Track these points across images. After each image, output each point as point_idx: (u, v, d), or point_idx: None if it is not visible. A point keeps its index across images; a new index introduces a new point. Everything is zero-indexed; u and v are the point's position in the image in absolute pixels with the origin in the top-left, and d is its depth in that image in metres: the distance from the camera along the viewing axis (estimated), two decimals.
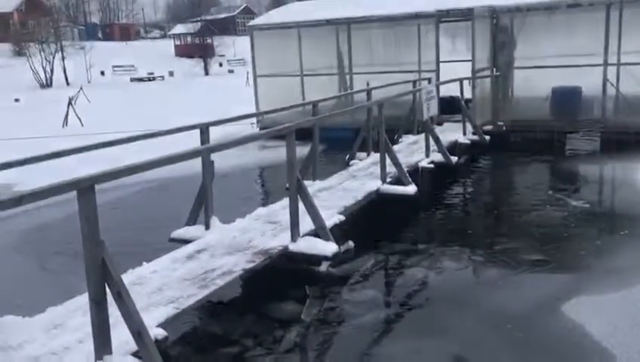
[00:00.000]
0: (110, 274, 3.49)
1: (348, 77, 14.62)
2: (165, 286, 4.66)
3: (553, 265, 6.00)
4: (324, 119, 8.01)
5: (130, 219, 8.69)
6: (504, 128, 12.38)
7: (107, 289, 3.56)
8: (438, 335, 4.71)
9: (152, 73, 49.64)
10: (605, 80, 11.84)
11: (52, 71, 43.94)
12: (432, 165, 8.91)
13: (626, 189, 8.90)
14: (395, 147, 10.20)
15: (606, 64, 11.79)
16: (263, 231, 6.04)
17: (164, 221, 7.45)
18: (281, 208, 6.58)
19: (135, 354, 3.63)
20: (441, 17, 12.99)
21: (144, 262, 5.19)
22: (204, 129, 6.13)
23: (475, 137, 11.21)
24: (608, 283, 5.40)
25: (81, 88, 24.19)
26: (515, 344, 4.50)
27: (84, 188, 3.44)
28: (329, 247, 5.60)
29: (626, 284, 5.33)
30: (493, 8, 12.53)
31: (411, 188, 7.63)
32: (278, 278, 5.50)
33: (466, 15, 12.16)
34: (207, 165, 6.13)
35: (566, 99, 12.14)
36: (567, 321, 4.75)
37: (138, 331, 3.53)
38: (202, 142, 6.06)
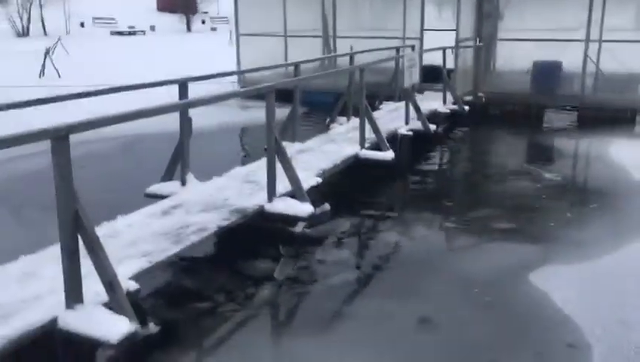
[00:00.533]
0: (83, 225, 3.49)
1: (332, 40, 14.47)
2: (139, 240, 4.67)
3: (523, 234, 6.14)
4: (305, 81, 7.97)
5: (106, 173, 8.64)
6: (484, 100, 12.44)
7: (80, 241, 3.57)
8: (407, 298, 4.81)
9: (132, 27, 48.58)
10: (586, 56, 11.92)
11: (29, 20, 42.71)
12: (410, 133, 8.96)
13: (598, 164, 9.08)
14: (376, 113, 10.20)
15: (588, 40, 11.86)
16: (239, 190, 6.06)
17: (140, 176, 7.42)
18: (259, 168, 6.56)
19: (106, 305, 3.66)
20: None
21: (119, 216, 5.19)
22: (183, 84, 6.06)
23: (455, 107, 11.26)
24: (574, 254, 5.54)
25: (59, 39, 23.59)
26: (481, 308, 4.63)
27: (59, 137, 3.40)
28: (305, 208, 5.66)
29: (590, 256, 5.49)
30: None
31: (389, 155, 7.69)
32: (253, 237, 5.56)
33: None
34: (185, 121, 6.09)
35: (546, 73, 12.22)
36: (532, 289, 4.89)
37: (110, 282, 3.56)
38: (180, 97, 6.01)
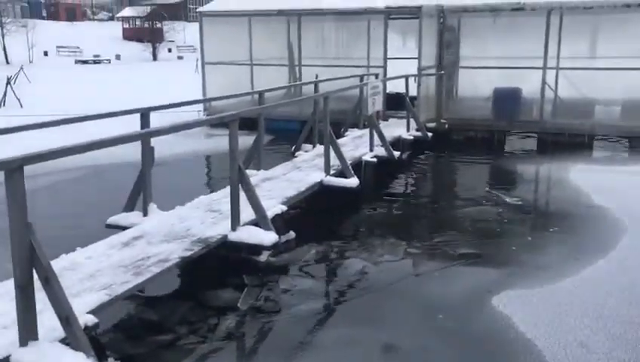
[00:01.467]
0: (38, 258, 3.40)
1: (297, 68, 14.61)
2: (99, 273, 4.58)
3: (486, 259, 6.21)
4: (270, 109, 8.01)
5: (66, 204, 8.49)
6: (447, 126, 12.67)
7: (35, 274, 3.48)
8: (372, 325, 4.81)
9: (98, 56, 48.29)
10: (544, 83, 12.28)
11: None
12: (375, 159, 9.05)
13: (558, 188, 9.29)
14: (341, 140, 10.31)
15: (545, 68, 12.23)
16: (202, 219, 6.00)
17: (101, 207, 7.29)
18: (222, 197, 6.55)
19: (63, 341, 3.56)
20: (390, 14, 13.17)
21: (78, 248, 5.09)
22: (145, 113, 6.02)
23: (419, 133, 11.43)
24: (536, 278, 5.62)
25: (21, 68, 23.29)
26: (445, 333, 4.65)
27: (13, 168, 3.33)
28: (269, 237, 5.63)
29: (552, 279, 5.57)
30: (441, 7, 12.78)
31: (354, 181, 7.73)
32: (216, 267, 5.50)
33: (414, 12, 12.36)
34: (147, 150, 6.04)
35: (507, 99, 12.54)
36: (495, 313, 4.93)
37: (66, 317, 3.47)
38: (142, 127, 5.97)
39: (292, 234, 6.35)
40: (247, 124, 9.48)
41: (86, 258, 4.88)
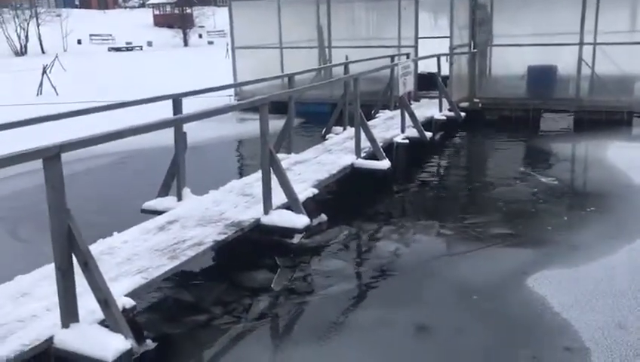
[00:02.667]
0: (76, 243, 3.49)
1: (327, 50, 14.53)
2: (135, 257, 4.67)
3: (521, 239, 6.13)
4: (300, 92, 8.00)
5: (103, 189, 8.67)
6: (480, 105, 12.47)
7: (75, 258, 3.58)
8: (405, 306, 4.81)
9: (130, 43, 48.91)
10: (580, 59, 11.96)
11: (27, 38, 43.00)
12: (406, 141, 8.98)
13: (594, 167, 9.09)
14: (372, 122, 10.27)
15: (582, 43, 11.91)
16: (235, 203, 6.06)
17: (136, 192, 7.43)
18: (255, 180, 6.57)
19: (102, 323, 3.66)
20: None
21: (115, 232, 5.20)
22: (177, 100, 6.09)
23: (451, 114, 11.29)
24: (572, 258, 5.53)
25: (56, 56, 23.76)
26: (480, 314, 4.62)
27: (51, 156, 3.42)
28: (301, 220, 5.66)
29: (587, 259, 5.48)
30: None
31: (385, 164, 7.70)
32: (250, 249, 5.56)
33: None
34: (180, 136, 6.11)
35: (542, 77, 12.27)
36: (531, 293, 4.88)
37: (105, 300, 3.56)
38: (174, 113, 6.03)
39: (324, 216, 6.37)
40: (278, 107, 9.47)
41: (122, 242, 4.98)
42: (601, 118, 11.60)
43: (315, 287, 5.16)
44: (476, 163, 10.16)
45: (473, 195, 8.03)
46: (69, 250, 3.51)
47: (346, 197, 7.38)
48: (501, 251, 5.86)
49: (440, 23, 18.89)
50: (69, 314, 3.55)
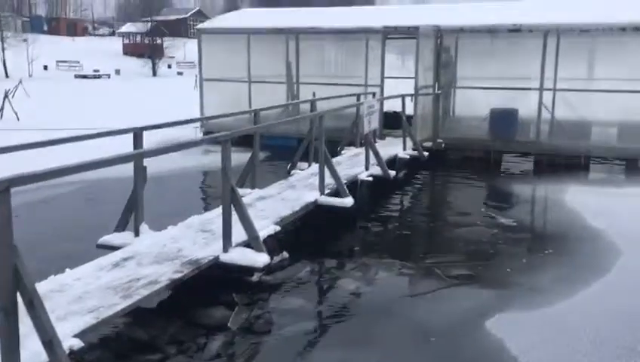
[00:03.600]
0: (22, 281, 3.35)
1: (295, 86, 14.66)
2: (87, 295, 4.51)
3: (480, 280, 6.17)
4: (264, 128, 8.00)
5: (57, 222, 8.40)
6: (443, 145, 12.67)
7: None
8: (363, 347, 4.75)
9: (97, 70, 48.51)
10: (541, 104, 12.31)
11: None
12: (370, 178, 9.04)
13: (552, 210, 9.28)
14: (337, 158, 10.33)
15: (542, 89, 12.27)
16: (194, 239, 5.95)
17: (92, 226, 7.23)
18: (215, 216, 6.47)
19: None
20: (388, 33, 13.23)
21: (67, 269, 5.03)
22: (138, 133, 6.00)
23: (415, 153, 11.44)
24: (530, 301, 5.58)
25: (20, 81, 23.37)
26: (438, 357, 4.60)
27: None
28: (261, 258, 5.57)
29: (546, 302, 5.53)
30: (438, 28, 12.86)
31: (348, 201, 7.71)
32: (208, 285, 5.43)
33: (412, 33, 12.42)
34: (139, 170, 6.00)
35: (503, 120, 12.56)
36: (489, 336, 4.88)
37: (49, 341, 3.40)
38: (135, 147, 5.94)
39: (285, 254, 6.31)
40: (245, 140, 9.50)
41: (74, 279, 4.80)
42: (560, 162, 11.92)
43: (272, 326, 5.06)
44: (438, 202, 10.26)
45: (434, 235, 8.09)
46: (15, 288, 3.36)
47: (309, 233, 7.34)
48: (460, 292, 5.88)
49: (407, 64, 19.33)
50: (11, 357, 3.37)
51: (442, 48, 13.07)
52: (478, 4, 15.08)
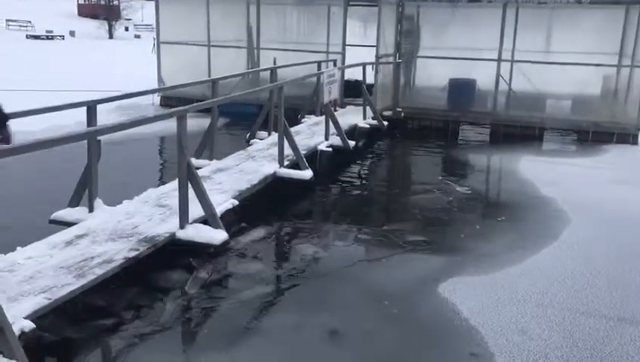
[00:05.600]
0: None
1: (256, 52, 14.45)
2: (39, 274, 4.39)
3: (434, 246, 6.31)
4: (224, 101, 7.79)
5: (10, 193, 8.06)
6: (403, 115, 12.76)
7: None
8: (318, 310, 4.83)
9: (51, 31, 46.68)
10: (498, 75, 12.48)
11: None
12: (330, 149, 9.07)
13: (506, 178, 9.51)
14: (297, 127, 10.31)
15: (500, 60, 12.42)
16: (150, 215, 5.83)
17: (47, 198, 7.00)
18: (172, 190, 6.29)
19: None
20: (350, 0, 13.12)
21: (18, 247, 4.89)
22: (91, 107, 5.78)
23: (375, 122, 11.50)
24: (482, 266, 5.75)
25: None
26: (391, 320, 4.71)
27: None
28: (219, 235, 5.55)
29: (497, 267, 5.71)
30: None
31: (307, 173, 7.72)
32: (166, 253, 5.40)
33: (374, 0, 12.34)
34: (93, 145, 5.81)
35: (461, 90, 12.72)
36: (441, 299, 5.03)
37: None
38: (89, 121, 5.72)
39: (243, 225, 6.32)
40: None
41: (26, 258, 4.64)
42: (516, 132, 12.18)
43: (230, 290, 5.10)
44: (396, 171, 10.37)
45: (392, 203, 8.20)
46: None
47: (268, 202, 7.31)
48: (415, 258, 6.01)
49: (369, 32, 19.22)
50: None
51: (404, 17, 13.05)
52: None
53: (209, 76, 14.25)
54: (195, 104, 6.16)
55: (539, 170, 9.53)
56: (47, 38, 45.13)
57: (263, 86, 8.66)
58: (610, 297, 5.16)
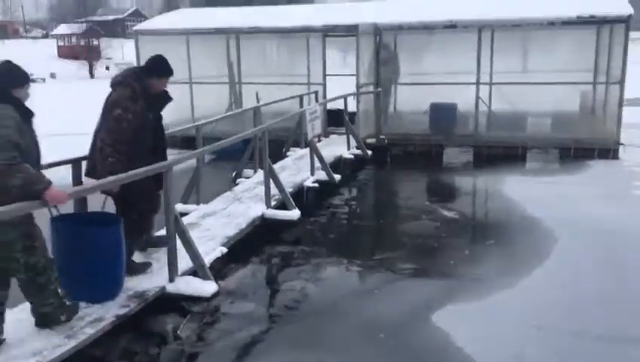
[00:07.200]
0: None
1: (238, 86, 14.55)
2: (29, 337, 4.30)
3: (425, 274, 6.34)
4: (209, 150, 7.64)
5: None
6: (386, 141, 12.87)
7: None
8: (313, 347, 4.81)
9: (32, 74, 46.47)
10: (478, 98, 12.67)
11: None
12: (316, 184, 9.10)
13: (492, 200, 9.60)
14: (283, 163, 10.37)
15: (478, 83, 12.62)
16: None
17: None
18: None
19: None
20: (328, 32, 13.34)
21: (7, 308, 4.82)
22: (75, 164, 5.62)
23: (359, 151, 11.58)
24: (474, 291, 5.76)
25: None
26: (387, 352, 4.70)
27: None
28: (209, 287, 5.46)
29: (489, 292, 5.72)
30: (376, 25, 13.03)
31: (295, 213, 7.72)
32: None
33: (351, 31, 12.54)
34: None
35: (443, 114, 12.87)
36: (435, 329, 5.03)
37: None
38: (74, 179, 5.57)
39: (232, 266, 6.32)
40: (188, 144, 9.34)
41: (14, 321, 4.50)
42: (499, 153, 12.31)
43: (224, 332, 5.06)
44: (383, 200, 10.34)
45: (380, 232, 8.20)
46: None
47: (256, 240, 7.25)
48: (407, 286, 6.02)
49: (349, 60, 19.45)
50: None
51: (382, 46, 13.26)
52: (416, 1, 15.40)
53: (192, 113, 14.40)
54: (180, 157, 5.93)
55: (524, 190, 9.62)
56: None
57: (247, 131, 8.64)
58: (603, 317, 5.19)
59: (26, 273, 4.16)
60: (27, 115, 4.17)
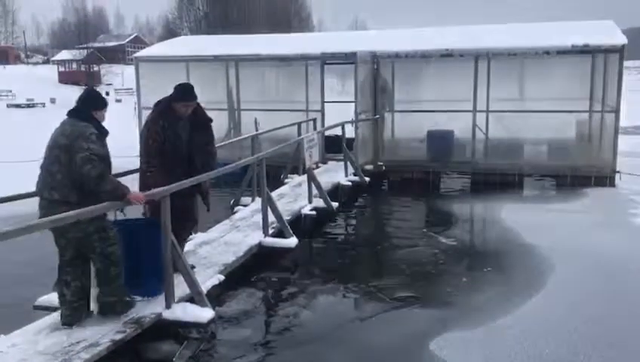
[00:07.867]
0: None
1: (237, 113, 14.66)
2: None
3: (423, 301, 6.31)
4: (205, 178, 7.61)
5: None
6: (384, 168, 12.92)
7: None
8: None
9: (31, 100, 46.85)
10: (475, 125, 12.76)
11: None
12: (314, 212, 9.13)
13: (491, 227, 9.60)
14: (281, 190, 10.40)
15: (475, 110, 12.73)
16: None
17: (40, 276, 6.80)
18: None
19: None
20: (326, 59, 13.49)
21: (1, 335, 4.79)
22: None
23: (356, 178, 11.62)
24: (472, 319, 5.74)
25: None
26: None
27: None
28: (206, 314, 5.45)
29: (487, 320, 5.70)
30: (374, 53, 13.19)
31: (292, 241, 7.74)
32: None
33: (349, 58, 12.69)
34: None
35: (440, 141, 12.96)
36: (432, 357, 5.01)
37: None
38: None
39: (230, 293, 6.31)
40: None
41: (10, 346, 4.52)
42: (496, 180, 12.37)
43: (220, 359, 5.04)
44: (380, 227, 10.31)
45: (378, 259, 8.19)
46: None
47: (254, 267, 7.24)
48: (404, 314, 6.01)
49: (347, 87, 19.66)
50: None
51: (379, 73, 13.40)
52: (413, 30, 15.62)
53: None
54: (177, 185, 5.90)
55: (521, 217, 9.64)
56: (28, 106, 45.28)
57: (246, 159, 8.68)
58: (601, 345, 5.16)
59: (102, 261, 4.89)
60: (104, 133, 4.95)
